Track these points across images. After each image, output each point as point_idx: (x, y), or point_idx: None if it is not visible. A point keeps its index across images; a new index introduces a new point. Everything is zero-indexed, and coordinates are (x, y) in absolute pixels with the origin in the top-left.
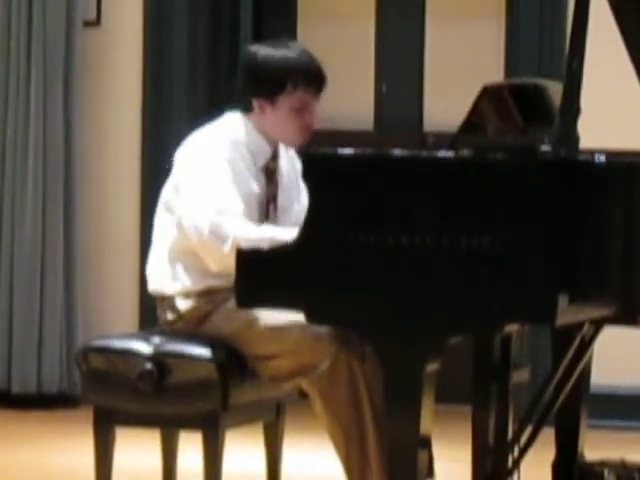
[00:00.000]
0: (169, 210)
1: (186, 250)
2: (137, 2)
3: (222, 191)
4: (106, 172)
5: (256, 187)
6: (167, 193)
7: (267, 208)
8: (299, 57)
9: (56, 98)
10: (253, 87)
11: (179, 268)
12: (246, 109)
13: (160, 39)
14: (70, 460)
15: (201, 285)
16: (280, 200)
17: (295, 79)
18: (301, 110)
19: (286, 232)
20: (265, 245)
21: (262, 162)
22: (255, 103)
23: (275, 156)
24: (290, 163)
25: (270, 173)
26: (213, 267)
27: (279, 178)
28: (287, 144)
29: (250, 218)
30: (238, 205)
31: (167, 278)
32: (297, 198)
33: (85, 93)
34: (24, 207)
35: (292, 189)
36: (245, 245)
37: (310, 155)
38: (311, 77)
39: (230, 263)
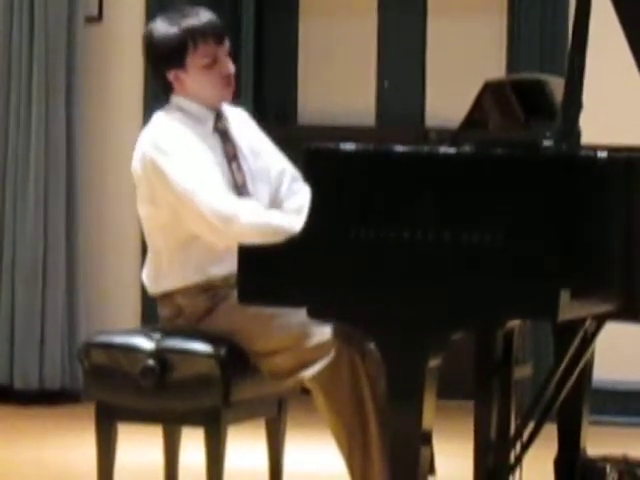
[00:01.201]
0: (146, 214)
1: (179, 244)
2: None
3: (201, 171)
4: (108, 168)
5: (217, 152)
6: (142, 206)
7: (231, 168)
8: (188, 17)
9: (58, 94)
10: (160, 63)
11: (174, 266)
12: (168, 92)
13: None
14: (72, 456)
15: (201, 277)
16: (245, 166)
17: (192, 36)
18: (213, 64)
19: (290, 219)
20: (271, 232)
21: (211, 124)
22: (170, 76)
23: (220, 117)
24: (240, 126)
25: (223, 133)
26: (218, 245)
27: (235, 141)
28: (215, 101)
29: (228, 185)
30: (219, 179)
31: (164, 278)
32: (265, 165)
33: (87, 89)
34: (26, 204)
35: (254, 152)
36: (249, 227)
37: (312, 151)
38: (207, 31)
39: (234, 242)
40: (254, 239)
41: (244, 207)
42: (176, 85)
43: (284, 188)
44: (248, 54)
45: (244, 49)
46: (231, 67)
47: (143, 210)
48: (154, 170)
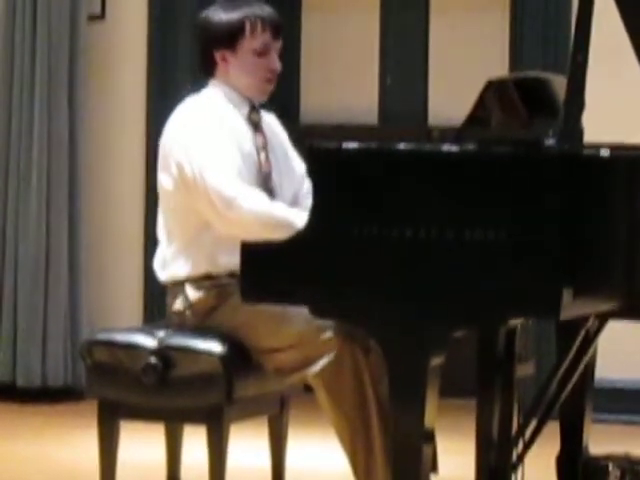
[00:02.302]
0: (165, 193)
1: (191, 229)
2: None
3: (218, 151)
4: (111, 166)
5: (247, 140)
6: (160, 177)
7: (259, 158)
8: (254, 4)
9: (61, 92)
10: (213, 39)
11: (187, 251)
12: (210, 74)
13: (165, 33)
14: (74, 453)
15: (211, 266)
16: (272, 159)
17: (252, 21)
18: (263, 53)
19: (294, 213)
20: (273, 222)
21: (245, 114)
22: (217, 56)
23: (254, 108)
24: (271, 131)
25: (255, 124)
26: (218, 228)
27: (266, 134)
28: (254, 93)
29: (247, 174)
30: (235, 165)
31: (176, 263)
32: (291, 166)
33: (89, 87)
34: (29, 201)
35: (284, 158)
36: (249, 215)
37: (314, 149)
38: (267, 19)
39: (232, 228)
40: (253, 228)
41: (248, 194)
42: (221, 66)
43: (304, 190)
44: None
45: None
46: (279, 65)
47: (163, 188)
48: (178, 147)
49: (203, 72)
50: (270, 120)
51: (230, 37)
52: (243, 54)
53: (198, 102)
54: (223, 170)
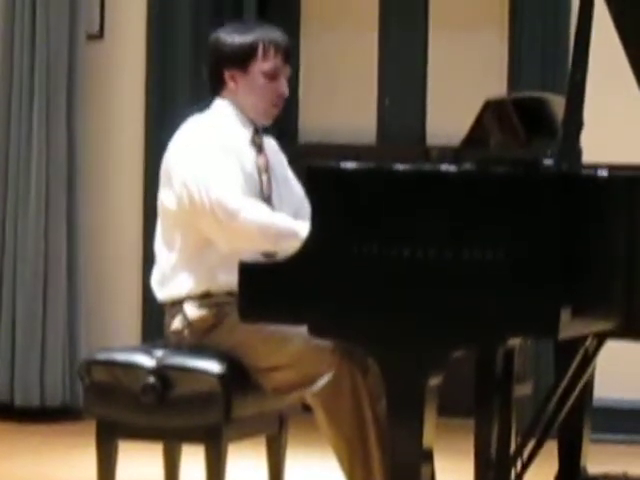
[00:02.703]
0: (165, 211)
1: (190, 248)
2: (140, 15)
3: (221, 168)
4: (109, 184)
5: (250, 161)
6: (162, 193)
7: (261, 178)
8: (267, 28)
9: (59, 111)
10: (224, 59)
11: (185, 269)
12: (217, 93)
13: (163, 52)
14: (73, 473)
15: (210, 284)
16: (274, 182)
17: (265, 44)
18: (273, 77)
19: (296, 223)
20: (276, 233)
21: (248, 136)
22: (227, 75)
23: (258, 131)
24: (273, 153)
25: (258, 146)
26: (219, 242)
27: (268, 157)
28: (260, 116)
29: (249, 193)
30: (238, 181)
31: (175, 282)
32: (289, 188)
33: (88, 106)
34: (27, 219)
35: (283, 178)
36: (253, 225)
37: (313, 169)
38: (280, 43)
39: (236, 239)
40: (258, 238)
41: (251, 205)
42: (229, 85)
43: (304, 210)
44: None
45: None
46: (286, 91)
47: (164, 205)
48: (182, 165)
49: (211, 90)
50: (271, 143)
51: (242, 58)
52: (253, 76)
53: (203, 121)
54: (226, 185)
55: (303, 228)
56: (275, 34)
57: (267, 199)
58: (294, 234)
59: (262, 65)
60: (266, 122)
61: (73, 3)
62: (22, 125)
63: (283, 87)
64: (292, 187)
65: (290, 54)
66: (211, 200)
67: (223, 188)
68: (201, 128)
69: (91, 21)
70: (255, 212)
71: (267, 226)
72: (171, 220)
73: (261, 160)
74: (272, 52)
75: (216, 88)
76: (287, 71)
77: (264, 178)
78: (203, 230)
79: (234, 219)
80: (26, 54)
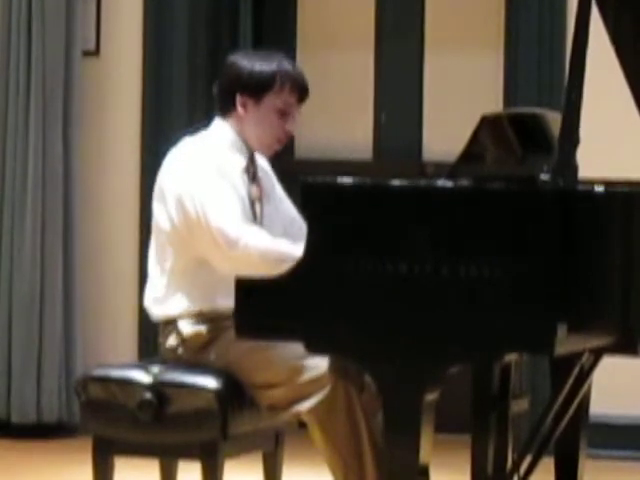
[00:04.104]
0: (160, 229)
1: (185, 267)
2: (136, 32)
3: (220, 194)
4: (105, 202)
5: (242, 188)
6: (156, 209)
7: (253, 208)
8: (287, 63)
9: (55, 128)
10: (240, 83)
11: (180, 289)
12: (222, 114)
13: (159, 69)
14: None
15: (205, 305)
16: (266, 210)
17: (283, 79)
18: (284, 114)
19: (296, 248)
20: (275, 258)
21: (244, 164)
22: (239, 99)
23: (252, 159)
24: (264, 173)
25: (252, 175)
26: (220, 268)
27: (260, 182)
28: (261, 148)
29: (246, 219)
30: (237, 207)
31: (169, 301)
32: (279, 208)
33: (84, 123)
34: (23, 236)
35: (273, 199)
36: (255, 252)
37: (309, 184)
38: (298, 82)
39: (236, 267)
40: (259, 265)
41: (251, 232)
42: (238, 110)
43: (291, 232)
44: None
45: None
46: (293, 130)
47: (158, 225)
48: (178, 185)
49: (218, 110)
50: (262, 164)
51: (258, 87)
52: (265, 108)
53: (199, 143)
54: (225, 209)
55: (298, 250)
56: (295, 70)
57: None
58: (293, 259)
59: (276, 100)
60: (266, 155)
61: (69, 20)
62: (18, 141)
63: (292, 126)
64: (281, 206)
65: (306, 95)
66: (210, 226)
67: (222, 212)
68: (197, 150)
69: (87, 38)
70: (256, 239)
71: (267, 252)
72: (164, 239)
73: (254, 189)
74: (288, 89)
75: (224, 109)
76: (299, 109)
77: (257, 208)
78: (201, 252)
79: (235, 247)
80: (22, 71)
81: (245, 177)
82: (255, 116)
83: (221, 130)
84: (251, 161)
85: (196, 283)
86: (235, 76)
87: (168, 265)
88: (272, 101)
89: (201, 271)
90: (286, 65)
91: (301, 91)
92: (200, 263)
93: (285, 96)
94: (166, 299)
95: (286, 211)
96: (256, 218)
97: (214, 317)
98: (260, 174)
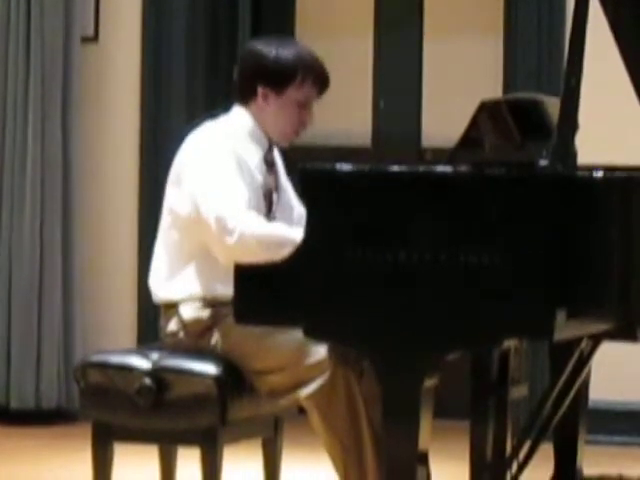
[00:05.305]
0: (172, 212)
1: (192, 253)
2: (135, 18)
3: (228, 183)
4: (104, 187)
5: (259, 177)
6: (169, 191)
7: (270, 197)
8: (311, 55)
9: (54, 114)
10: (262, 74)
11: (185, 273)
12: (242, 102)
13: (158, 55)
14: (68, 476)
15: (208, 291)
16: (280, 195)
17: (306, 73)
18: (303, 106)
19: (293, 230)
20: (275, 242)
21: (262, 152)
22: (260, 91)
23: (270, 148)
24: (279, 165)
25: (270, 164)
26: (221, 259)
27: (277, 170)
28: (279, 137)
29: (257, 208)
30: (244, 196)
31: (173, 284)
32: (293, 196)
33: (83, 108)
34: (22, 222)
35: (284, 189)
36: (251, 240)
37: (308, 171)
38: (320, 75)
39: (237, 256)
40: (256, 252)
41: (248, 220)
42: (259, 102)
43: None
44: None
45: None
46: (312, 121)
47: (172, 208)
48: (194, 172)
49: (238, 98)
50: (277, 154)
51: (280, 79)
52: (285, 100)
53: (220, 129)
54: (230, 199)
55: (300, 234)
56: (317, 64)
57: (271, 218)
58: (292, 242)
59: (297, 93)
60: (283, 145)
61: (68, 6)
62: (17, 129)
63: (309, 117)
64: (291, 201)
65: (327, 87)
66: (211, 217)
67: (226, 204)
68: (217, 136)
69: (86, 24)
70: (251, 227)
71: (265, 238)
72: (175, 222)
73: (271, 179)
74: (310, 82)
75: (244, 98)
76: (317, 100)
77: (274, 197)
78: (205, 241)
79: (231, 236)
80: (21, 57)
81: (263, 166)
82: (275, 108)
83: (241, 118)
84: (269, 150)
85: (200, 268)
86: (257, 66)
87: (175, 248)
88: (293, 94)
89: (206, 257)
90: (309, 57)
91: (322, 84)
92: (205, 249)
93: (307, 89)
94: (169, 282)
95: (287, 199)
96: (272, 207)
97: (215, 303)
98: (279, 169)
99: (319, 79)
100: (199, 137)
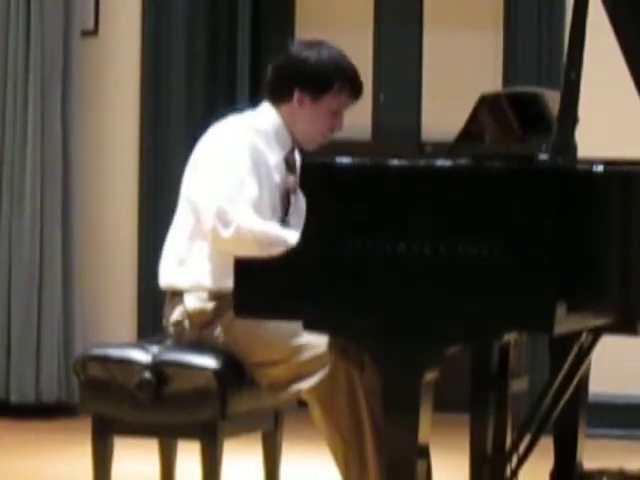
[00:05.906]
0: (187, 199)
1: (201, 244)
2: (135, 11)
3: (238, 178)
4: (104, 182)
5: (277, 176)
6: (187, 179)
7: (288, 198)
8: (350, 64)
9: (54, 108)
10: (302, 78)
11: (195, 262)
12: (274, 101)
13: (158, 48)
14: (69, 470)
15: (215, 284)
16: (298, 197)
17: (343, 83)
18: (336, 114)
19: (288, 232)
20: (268, 240)
21: (284, 153)
22: (296, 94)
23: (294, 150)
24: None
25: (290, 165)
26: (212, 247)
27: (297, 172)
28: (306, 142)
29: (272, 208)
30: (250, 194)
31: (181, 271)
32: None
33: (83, 102)
34: (22, 216)
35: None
36: (248, 235)
37: (308, 164)
38: (356, 85)
39: (228, 248)
40: (248, 246)
41: (247, 215)
42: (293, 104)
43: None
44: (244, 69)
45: (240, 64)
46: (341, 127)
47: (185, 193)
48: (210, 158)
49: (269, 96)
50: (297, 156)
51: (319, 87)
52: (321, 107)
53: (243, 125)
54: (233, 193)
55: (294, 236)
56: (354, 74)
57: (286, 218)
58: (285, 242)
59: (332, 102)
60: (309, 148)
61: (68, 0)
62: (17, 122)
63: (340, 125)
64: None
65: (360, 96)
66: (212, 205)
67: (230, 197)
68: (239, 131)
69: (86, 17)
70: (249, 222)
71: (260, 236)
72: (191, 210)
73: (292, 180)
74: (347, 92)
75: (278, 97)
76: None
77: (292, 198)
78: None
79: (228, 229)
80: (21, 51)
81: (283, 166)
82: (309, 113)
83: (269, 115)
84: (291, 151)
85: (211, 259)
86: (297, 69)
87: (188, 235)
88: (329, 102)
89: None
90: (348, 66)
91: (357, 94)
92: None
93: (343, 99)
94: (179, 268)
95: (303, 204)
96: (289, 208)
97: (220, 296)
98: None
99: (355, 89)
100: (221, 129)
